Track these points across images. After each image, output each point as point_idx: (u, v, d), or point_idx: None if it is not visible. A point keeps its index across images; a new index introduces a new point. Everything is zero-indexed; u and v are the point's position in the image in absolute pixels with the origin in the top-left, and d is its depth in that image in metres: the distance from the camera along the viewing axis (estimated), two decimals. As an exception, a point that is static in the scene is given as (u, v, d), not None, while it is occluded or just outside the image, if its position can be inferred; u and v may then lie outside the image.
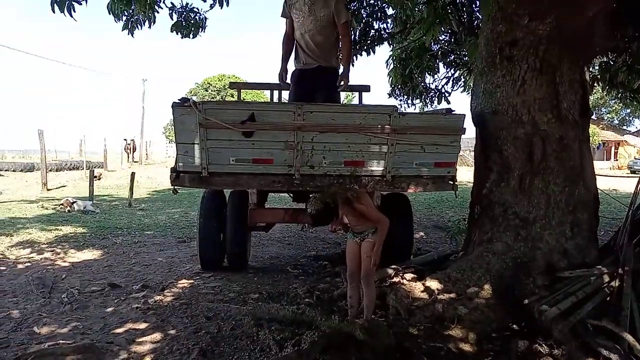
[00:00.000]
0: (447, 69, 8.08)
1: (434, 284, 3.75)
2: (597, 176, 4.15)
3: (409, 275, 4.01)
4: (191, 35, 5.87)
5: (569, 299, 3.33)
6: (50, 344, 3.12)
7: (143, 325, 3.51)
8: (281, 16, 4.72)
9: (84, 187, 13.41)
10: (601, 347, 2.96)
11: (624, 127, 43.13)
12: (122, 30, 5.54)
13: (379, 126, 3.76)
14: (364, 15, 6.57)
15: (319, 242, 6.94)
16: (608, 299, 3.37)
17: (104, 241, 6.78)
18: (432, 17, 4.91)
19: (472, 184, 4.42)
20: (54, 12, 4.57)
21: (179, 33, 5.82)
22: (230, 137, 3.68)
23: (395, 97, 8.38)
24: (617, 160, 38.16)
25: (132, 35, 5.58)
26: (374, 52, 6.98)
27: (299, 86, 4.67)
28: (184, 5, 5.73)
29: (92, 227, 7.84)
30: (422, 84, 8.08)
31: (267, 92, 6.37)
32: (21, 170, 21.44)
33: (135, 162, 29.18)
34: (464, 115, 3.90)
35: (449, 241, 6.47)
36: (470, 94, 4.53)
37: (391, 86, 8.12)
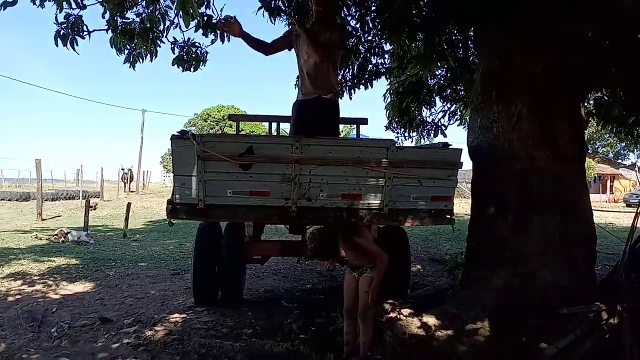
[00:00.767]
0: (443, 102, 8.17)
1: (431, 320, 3.69)
2: (593, 211, 4.15)
3: (405, 311, 3.95)
4: (192, 69, 5.95)
5: (568, 336, 3.27)
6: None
7: (133, 362, 3.42)
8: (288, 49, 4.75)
9: (80, 217, 13.32)
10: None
11: (619, 161, 43.48)
12: (124, 63, 5.61)
13: (377, 160, 3.77)
14: (362, 51, 6.69)
15: (315, 275, 6.85)
16: (607, 336, 3.32)
17: (97, 273, 6.68)
18: (428, 53, 5.00)
19: (469, 217, 4.40)
20: (57, 45, 4.66)
21: (180, 67, 5.90)
22: (228, 169, 3.68)
23: (392, 130, 8.45)
24: (612, 193, 38.34)
25: (134, 69, 5.66)
26: (371, 86, 7.06)
27: (299, 117, 4.70)
28: (186, 40, 5.83)
29: (85, 259, 7.74)
30: (419, 117, 8.16)
31: (266, 124, 6.40)
32: (17, 200, 21.36)
33: (132, 191, 29.11)
34: (461, 149, 3.92)
35: (446, 275, 6.41)
36: (466, 127, 4.58)
37: (388, 119, 8.20)
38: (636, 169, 40.10)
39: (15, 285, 5.75)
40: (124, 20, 5.25)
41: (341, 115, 4.98)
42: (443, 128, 8.31)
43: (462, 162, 3.94)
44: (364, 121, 6.24)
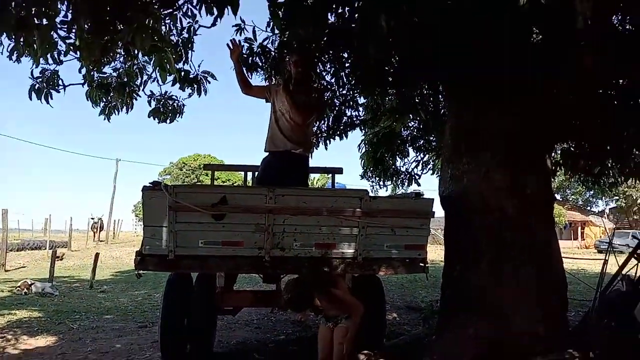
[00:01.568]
0: (416, 153, 8.38)
1: (407, 373, 3.61)
2: (564, 258, 4.23)
3: (381, 363, 3.86)
4: (168, 121, 5.96)
5: (545, 387, 3.24)
6: None
7: None
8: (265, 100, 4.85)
9: (46, 268, 12.80)
10: None
11: (589, 208, 44.80)
12: (99, 115, 5.58)
13: (351, 209, 3.79)
14: (337, 104, 6.86)
15: (288, 325, 6.67)
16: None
17: (60, 326, 6.36)
18: (400, 107, 5.16)
19: (443, 264, 4.41)
20: (30, 99, 4.65)
21: (156, 118, 5.91)
22: (200, 219, 3.64)
23: (367, 179, 8.56)
24: (584, 239, 39.15)
25: (109, 121, 5.62)
26: (346, 137, 7.19)
27: (265, 170, 4.71)
28: (163, 93, 5.88)
29: (49, 311, 7.38)
30: (393, 166, 8.32)
31: (242, 173, 6.41)
32: (-21, 250, 20.42)
33: (101, 241, 28.27)
34: (433, 199, 3.99)
35: (422, 323, 6.33)
36: (439, 176, 4.68)
37: (363, 168, 8.33)
38: (605, 216, 41.37)
39: (-29, 341, 5.42)
40: (100, 74, 5.28)
41: (317, 165, 5.04)
42: (417, 177, 8.49)
43: (434, 212, 3.99)
44: (339, 171, 6.31)
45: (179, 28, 4.78)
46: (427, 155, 8.40)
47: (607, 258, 4.82)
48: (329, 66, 5.96)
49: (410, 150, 8.23)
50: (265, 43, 5.46)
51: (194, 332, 4.57)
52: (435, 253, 12.62)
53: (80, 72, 4.91)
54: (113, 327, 6.43)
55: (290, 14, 4.59)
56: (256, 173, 5.92)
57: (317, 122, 6.48)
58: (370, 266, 3.94)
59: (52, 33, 3.42)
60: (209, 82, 5.52)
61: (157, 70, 3.77)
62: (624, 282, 4.16)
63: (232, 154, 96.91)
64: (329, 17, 4.68)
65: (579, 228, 40.78)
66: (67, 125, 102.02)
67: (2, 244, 15.16)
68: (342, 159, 8.87)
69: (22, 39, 3.41)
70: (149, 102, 5.81)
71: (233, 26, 5.13)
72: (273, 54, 5.51)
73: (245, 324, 6.70)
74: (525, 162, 4.04)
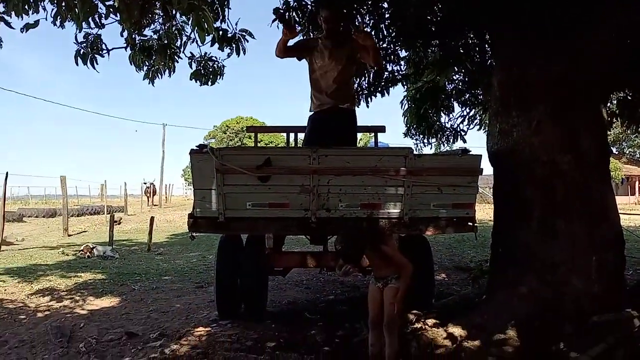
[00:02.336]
0: (462, 107, 8.07)
1: (457, 330, 3.62)
2: (621, 214, 4.03)
3: (430, 321, 3.88)
4: (209, 83, 6.01)
5: (600, 345, 3.17)
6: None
7: (159, 377, 3.44)
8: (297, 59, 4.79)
9: (105, 232, 13.57)
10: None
11: (647, 161, 42.36)
12: (143, 79, 5.71)
13: (395, 168, 3.74)
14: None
15: (337, 286, 6.81)
16: (641, 344, 3.20)
17: (123, 287, 6.77)
18: (444, 59, 4.96)
19: (492, 223, 4.32)
20: (77, 64, 4.76)
21: (197, 81, 5.97)
22: (247, 182, 3.71)
23: (411, 137, 8.38)
24: (642, 194, 37.32)
25: (153, 84, 5.76)
26: (388, 94, 7.03)
27: (313, 129, 4.69)
28: (203, 54, 5.91)
29: (111, 274, 7.87)
30: (438, 123, 8.07)
31: (284, 135, 6.43)
32: (43, 216, 21.86)
33: (155, 205, 29.55)
34: (481, 155, 3.87)
35: (472, 283, 6.29)
36: (486, 132, 4.51)
37: (406, 126, 8.15)
38: (665, 168, 39.08)
39: (44, 301, 5.87)
40: (141, 37, 5.34)
41: (359, 124, 4.97)
42: (462, 133, 8.21)
43: (482, 169, 3.89)
44: (382, 129, 6.21)
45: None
46: (473, 110, 8.08)
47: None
48: (367, 18, 5.77)
49: (456, 105, 7.93)
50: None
51: (246, 292, 4.74)
52: (484, 212, 12.40)
53: (122, 35, 4.97)
54: (171, 287, 6.78)
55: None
56: (299, 134, 5.94)
57: (358, 77, 6.35)
58: (416, 226, 3.92)
59: (91, -5, 3.45)
60: (247, 41, 5.48)
61: (195, 31, 3.76)
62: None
63: (274, 116, 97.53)
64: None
65: (637, 183, 38.79)
66: (116, 94, 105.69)
67: (63, 209, 16.12)
68: (384, 116, 8.66)
69: (63, 3, 3.47)
70: (190, 64, 5.85)
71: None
72: (310, 8, 5.38)
73: (295, 284, 6.89)
74: (579, 113, 3.80)
